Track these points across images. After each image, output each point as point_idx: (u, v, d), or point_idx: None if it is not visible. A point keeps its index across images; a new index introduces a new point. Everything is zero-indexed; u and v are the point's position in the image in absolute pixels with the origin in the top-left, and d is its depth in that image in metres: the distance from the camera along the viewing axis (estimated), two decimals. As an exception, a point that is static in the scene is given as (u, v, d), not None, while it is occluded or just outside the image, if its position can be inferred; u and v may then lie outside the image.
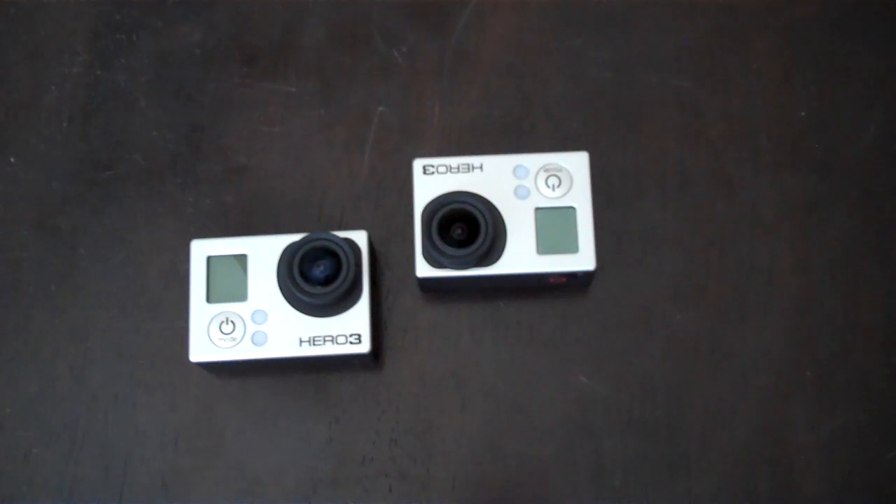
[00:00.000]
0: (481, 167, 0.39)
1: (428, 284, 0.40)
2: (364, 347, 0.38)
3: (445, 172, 0.39)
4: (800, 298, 0.41)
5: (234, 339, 0.38)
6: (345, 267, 0.38)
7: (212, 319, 0.38)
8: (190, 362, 0.38)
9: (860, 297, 0.41)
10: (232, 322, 0.38)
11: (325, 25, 0.45)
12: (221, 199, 0.43)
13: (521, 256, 0.38)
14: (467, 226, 0.38)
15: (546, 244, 0.38)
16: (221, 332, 0.38)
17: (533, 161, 0.39)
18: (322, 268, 0.38)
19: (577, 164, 0.39)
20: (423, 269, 0.38)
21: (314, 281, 0.38)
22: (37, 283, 0.42)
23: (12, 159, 0.41)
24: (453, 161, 0.39)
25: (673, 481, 0.39)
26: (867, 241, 0.41)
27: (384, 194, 0.43)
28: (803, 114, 0.43)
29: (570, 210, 0.39)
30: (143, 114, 0.44)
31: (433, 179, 0.39)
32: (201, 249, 0.39)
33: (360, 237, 0.39)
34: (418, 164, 0.39)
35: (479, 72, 0.44)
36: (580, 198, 0.39)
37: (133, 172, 0.43)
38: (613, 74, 0.44)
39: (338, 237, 0.38)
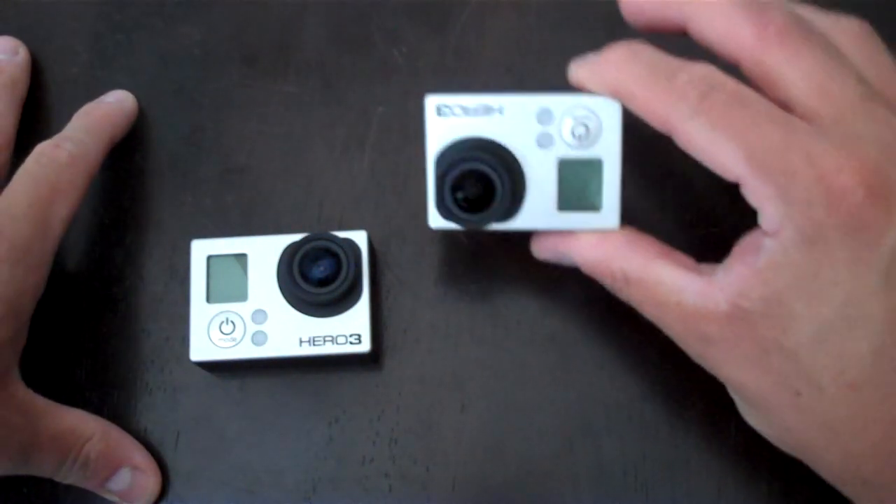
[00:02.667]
0: (501, 110, 0.35)
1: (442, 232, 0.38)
2: (364, 347, 0.38)
3: (461, 115, 0.35)
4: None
5: (234, 339, 0.38)
6: (344, 267, 0.38)
7: (212, 319, 0.38)
8: (190, 362, 0.38)
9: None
10: (232, 322, 0.38)
11: (325, 25, 0.45)
12: (221, 199, 0.43)
13: (540, 212, 0.35)
14: (482, 183, 0.35)
15: (568, 200, 0.35)
16: (221, 331, 0.38)
17: (559, 104, 0.35)
18: (322, 268, 0.38)
19: (608, 112, 0.34)
20: (436, 221, 0.35)
21: (314, 281, 0.38)
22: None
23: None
24: (471, 101, 0.35)
25: (673, 481, 0.39)
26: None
27: (384, 194, 0.43)
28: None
29: (597, 163, 0.35)
30: (143, 114, 0.44)
31: (447, 122, 0.35)
32: (201, 249, 0.39)
33: (359, 237, 0.39)
34: (431, 102, 0.35)
35: (479, 72, 0.44)
36: (609, 150, 0.34)
37: (133, 172, 0.43)
38: (613, 74, 0.44)
39: (338, 237, 0.38)
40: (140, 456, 0.39)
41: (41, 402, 0.37)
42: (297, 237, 0.38)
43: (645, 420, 0.40)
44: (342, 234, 0.39)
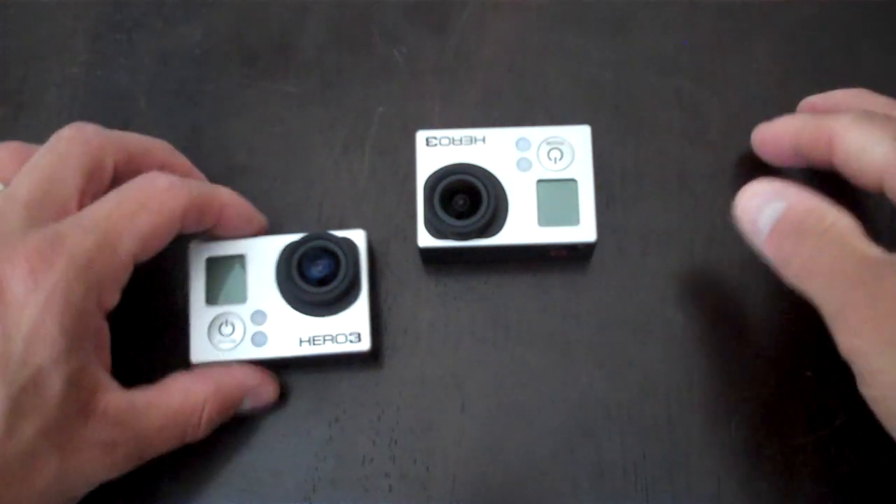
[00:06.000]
0: (484, 140, 0.39)
1: (429, 255, 0.40)
2: (364, 346, 0.38)
3: (448, 144, 0.39)
4: (799, 298, 0.41)
5: (233, 341, 0.38)
6: (343, 266, 0.38)
7: (212, 321, 0.38)
8: (190, 365, 0.38)
9: (860, 297, 0.41)
10: (232, 323, 0.38)
11: (325, 25, 0.45)
12: (221, 199, 0.43)
13: (522, 228, 0.38)
14: (469, 197, 0.38)
15: (547, 216, 0.38)
16: (221, 333, 0.38)
17: (535, 134, 0.39)
18: (320, 267, 0.38)
19: (579, 137, 0.39)
20: (425, 240, 0.38)
21: (313, 280, 0.38)
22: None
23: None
24: (456, 133, 0.39)
25: (673, 481, 0.39)
26: (867, 241, 0.41)
27: (384, 194, 0.43)
28: (804, 113, 0.43)
29: (572, 182, 0.39)
30: (143, 114, 0.44)
31: (436, 151, 0.39)
32: (200, 251, 0.39)
33: (357, 236, 0.39)
34: (421, 135, 0.39)
35: (479, 72, 0.44)
36: (582, 170, 0.39)
37: (133, 173, 0.43)
38: (613, 74, 0.44)
39: (335, 236, 0.38)
40: (252, 379, 0.38)
41: (140, 398, 0.35)
42: (294, 237, 0.38)
43: (645, 420, 0.40)
44: (340, 234, 0.39)
